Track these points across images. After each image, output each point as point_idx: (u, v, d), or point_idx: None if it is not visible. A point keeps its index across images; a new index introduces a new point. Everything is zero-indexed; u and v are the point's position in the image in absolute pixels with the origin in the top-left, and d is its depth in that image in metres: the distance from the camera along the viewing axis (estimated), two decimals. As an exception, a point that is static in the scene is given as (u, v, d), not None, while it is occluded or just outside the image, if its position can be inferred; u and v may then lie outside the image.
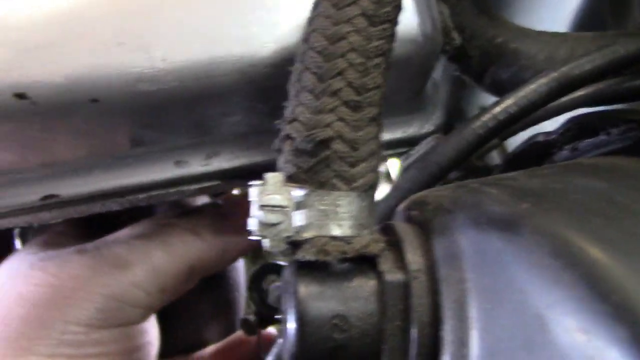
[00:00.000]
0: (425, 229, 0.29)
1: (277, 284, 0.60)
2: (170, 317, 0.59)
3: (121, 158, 0.42)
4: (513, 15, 0.49)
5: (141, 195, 0.44)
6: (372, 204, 0.31)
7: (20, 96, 0.36)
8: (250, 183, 0.31)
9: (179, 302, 0.62)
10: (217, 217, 0.52)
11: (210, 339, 0.66)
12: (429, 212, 0.29)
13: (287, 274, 0.31)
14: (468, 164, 0.69)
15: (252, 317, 0.58)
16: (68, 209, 0.44)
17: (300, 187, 0.29)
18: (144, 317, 0.48)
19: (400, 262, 0.29)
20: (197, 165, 0.44)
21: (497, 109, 0.39)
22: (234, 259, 0.53)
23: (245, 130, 0.43)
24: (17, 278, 0.47)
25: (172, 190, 0.45)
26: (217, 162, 0.44)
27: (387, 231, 0.31)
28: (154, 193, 0.45)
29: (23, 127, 0.37)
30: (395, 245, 0.30)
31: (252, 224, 0.29)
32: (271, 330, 0.63)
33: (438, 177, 0.39)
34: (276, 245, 0.29)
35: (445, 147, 0.39)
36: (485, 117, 0.39)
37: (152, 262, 0.47)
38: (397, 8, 0.33)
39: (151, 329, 0.50)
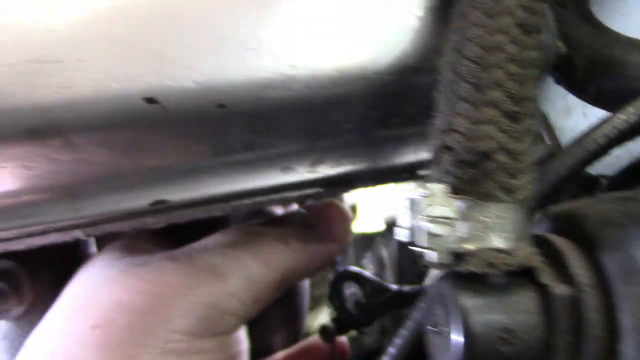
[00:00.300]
0: (588, 243, 0.29)
1: (353, 290, 0.59)
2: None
3: (229, 164, 0.42)
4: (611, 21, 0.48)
5: (246, 201, 0.44)
6: (528, 215, 0.31)
7: (150, 101, 0.36)
8: (410, 195, 0.30)
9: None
10: (304, 226, 0.52)
11: (277, 346, 0.66)
12: (591, 226, 0.29)
13: (441, 286, 0.30)
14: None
15: (330, 324, 0.58)
16: (173, 214, 0.43)
17: (463, 199, 0.29)
18: (237, 327, 0.48)
19: (564, 276, 0.29)
20: (303, 172, 0.43)
21: (618, 120, 0.38)
22: (319, 269, 0.53)
23: (352, 138, 0.43)
24: (112, 285, 0.46)
25: (275, 197, 0.44)
26: (322, 169, 0.44)
27: (541, 244, 0.31)
28: (258, 199, 0.44)
29: (148, 132, 0.37)
30: (553, 258, 0.30)
31: (417, 234, 0.29)
32: (343, 338, 0.62)
33: (558, 187, 0.39)
34: (443, 257, 0.28)
35: (566, 156, 0.39)
36: (607, 128, 0.39)
37: (248, 272, 0.47)
38: (543, 16, 0.33)
39: (243, 338, 0.50)
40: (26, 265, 0.56)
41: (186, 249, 0.49)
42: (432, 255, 0.29)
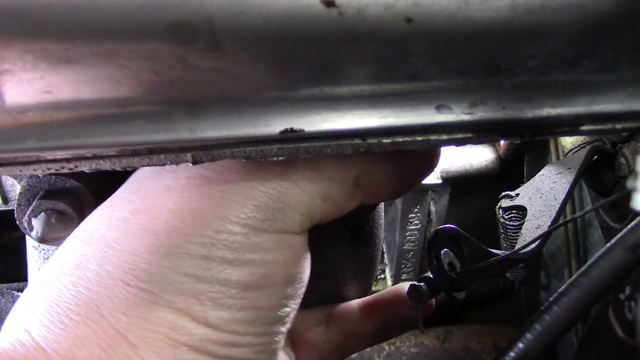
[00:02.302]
0: None
1: (446, 249, 0.54)
2: (314, 269, 0.52)
3: (380, 95, 0.35)
4: None
5: (385, 141, 0.38)
6: None
7: (329, 4, 0.28)
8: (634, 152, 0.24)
9: (327, 253, 0.56)
10: None
11: (348, 296, 0.61)
12: None
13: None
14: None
15: (422, 285, 0.52)
16: (301, 146, 0.37)
17: None
18: (302, 228, 0.40)
19: None
20: (458, 113, 0.37)
21: None
22: (399, 189, 0.46)
23: (526, 79, 0.36)
24: (162, 172, 0.40)
25: (419, 138, 0.38)
26: (482, 112, 0.37)
27: None
28: (399, 139, 0.38)
29: (314, 44, 0.30)
30: None
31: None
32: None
33: None
34: None
35: None
36: None
37: (318, 162, 0.40)
38: None
39: (307, 251, 0.43)
40: (91, 188, 0.49)
41: None
42: None
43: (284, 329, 0.41)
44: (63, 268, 0.38)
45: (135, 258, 0.36)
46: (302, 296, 0.43)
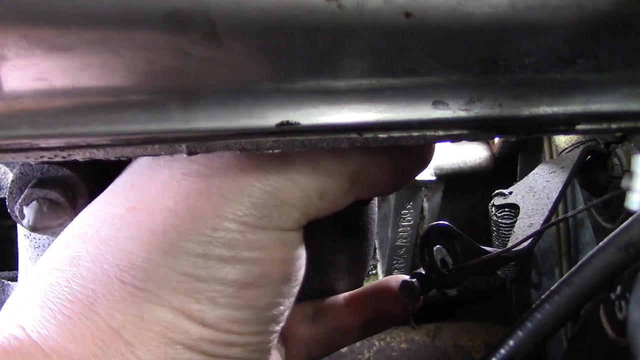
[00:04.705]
0: None
1: (439, 246, 0.54)
2: (306, 264, 0.52)
3: (378, 89, 0.35)
4: None
5: (381, 135, 0.37)
6: None
7: (327, -5, 0.28)
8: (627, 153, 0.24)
9: (319, 247, 0.56)
10: None
11: (339, 291, 0.61)
12: None
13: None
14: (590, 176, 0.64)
15: (414, 281, 0.52)
16: (297, 140, 0.37)
17: None
18: (299, 224, 0.40)
19: None
20: (455, 109, 0.37)
21: None
22: (395, 184, 0.46)
23: (522, 76, 0.36)
24: (157, 168, 0.39)
25: (416, 134, 0.38)
26: (478, 109, 0.37)
27: None
28: (395, 134, 0.38)
29: (311, 36, 0.30)
30: None
31: None
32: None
33: None
34: None
35: None
36: None
37: (315, 158, 0.39)
38: None
39: (303, 247, 0.42)
40: (84, 177, 0.49)
41: None
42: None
43: (278, 327, 0.41)
44: (56, 264, 0.37)
45: (131, 256, 0.36)
46: (296, 294, 0.43)
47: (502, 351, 0.37)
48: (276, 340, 0.42)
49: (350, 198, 0.43)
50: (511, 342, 0.37)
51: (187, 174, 0.38)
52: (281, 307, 0.41)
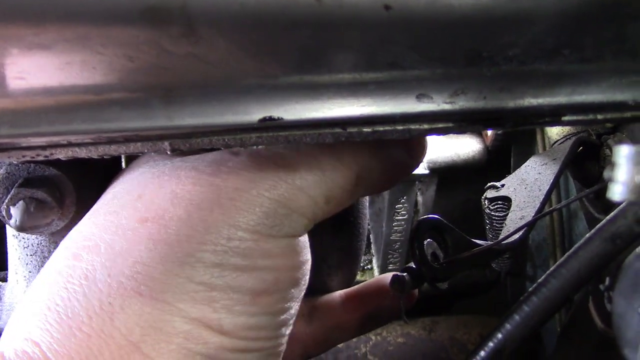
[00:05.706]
0: None
1: (430, 240, 0.54)
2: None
3: (360, 83, 0.35)
4: None
5: (366, 130, 0.37)
6: None
7: (307, -10, 0.28)
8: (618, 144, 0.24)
9: (311, 245, 0.56)
10: None
11: (332, 287, 0.61)
12: None
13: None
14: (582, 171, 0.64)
15: (404, 275, 0.52)
16: (281, 135, 0.36)
17: None
18: (307, 229, 0.41)
19: None
20: (439, 102, 0.36)
21: None
22: (393, 180, 0.47)
23: (506, 68, 0.36)
24: (164, 177, 0.39)
25: (400, 127, 0.38)
26: (463, 101, 0.37)
27: None
28: (379, 129, 0.37)
29: (290, 31, 0.30)
30: None
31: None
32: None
33: None
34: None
35: None
36: None
37: (319, 165, 0.40)
38: None
39: (309, 250, 0.43)
40: (71, 177, 0.48)
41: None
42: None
43: (288, 331, 0.42)
44: (70, 278, 0.37)
45: (148, 268, 0.36)
46: (302, 297, 0.43)
47: (491, 344, 0.37)
48: (286, 343, 0.42)
49: (353, 198, 0.44)
50: (499, 335, 0.37)
51: (198, 184, 0.38)
52: (292, 311, 0.41)
